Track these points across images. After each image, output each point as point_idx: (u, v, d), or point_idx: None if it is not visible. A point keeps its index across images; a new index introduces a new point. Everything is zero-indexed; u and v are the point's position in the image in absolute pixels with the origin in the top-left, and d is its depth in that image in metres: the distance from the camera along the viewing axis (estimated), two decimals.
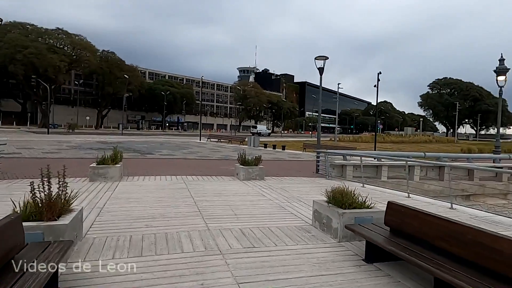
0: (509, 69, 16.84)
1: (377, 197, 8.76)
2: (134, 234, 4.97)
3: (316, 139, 16.63)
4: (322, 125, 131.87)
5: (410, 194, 9.43)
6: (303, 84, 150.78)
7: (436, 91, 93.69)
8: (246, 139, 32.88)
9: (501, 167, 15.47)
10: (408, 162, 12.36)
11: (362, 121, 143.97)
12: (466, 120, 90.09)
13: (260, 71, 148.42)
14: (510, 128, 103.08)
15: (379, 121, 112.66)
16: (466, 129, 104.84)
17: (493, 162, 16.07)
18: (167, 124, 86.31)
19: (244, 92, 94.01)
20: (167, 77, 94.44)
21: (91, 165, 9.81)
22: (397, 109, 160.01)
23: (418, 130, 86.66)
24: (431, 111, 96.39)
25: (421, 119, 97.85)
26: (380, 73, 24.87)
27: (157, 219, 5.81)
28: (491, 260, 3.06)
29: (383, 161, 13.69)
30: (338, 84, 45.86)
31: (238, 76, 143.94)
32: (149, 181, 9.99)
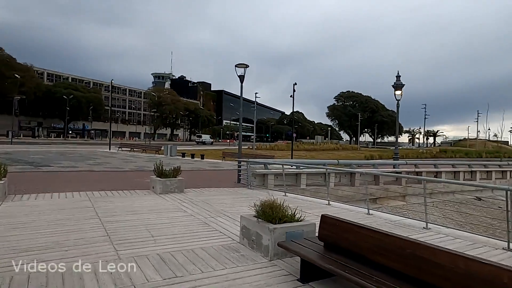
0: (403, 84, 19.02)
1: (302, 206, 8.71)
2: (16, 275, 3.82)
3: (236, 147, 16.36)
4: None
5: (330, 202, 9.67)
6: (220, 93, 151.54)
7: (341, 103, 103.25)
8: (162, 148, 31.12)
9: (400, 172, 17.27)
10: (328, 170, 12.86)
11: (277, 130, 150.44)
12: (366, 129, 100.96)
13: (177, 77, 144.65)
14: (400, 136, 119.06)
15: (291, 130, 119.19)
16: (366, 137, 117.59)
17: (394, 168, 17.88)
18: (70, 132, 77.52)
19: (160, 98, 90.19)
20: (70, 80, 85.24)
21: None
22: (308, 118, 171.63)
23: (327, 139, 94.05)
24: (337, 121, 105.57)
25: (329, 128, 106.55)
26: (296, 84, 26.11)
27: (51, 250, 4.67)
28: (431, 275, 2.96)
29: (302, 169, 14.03)
30: (256, 93, 47.01)
31: (153, 82, 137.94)
32: (43, 200, 8.36)
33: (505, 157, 44.03)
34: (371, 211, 8.61)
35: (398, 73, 19.10)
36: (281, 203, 5.43)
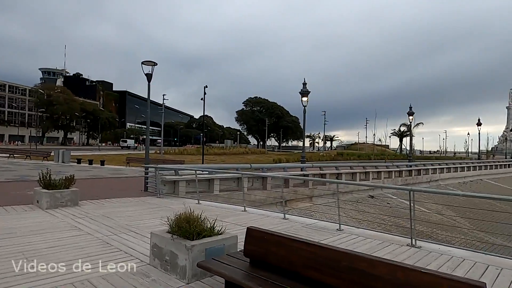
0: (309, 91, 20.12)
1: (217, 214, 8.20)
2: None
3: (141, 152, 14.96)
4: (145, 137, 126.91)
5: (245, 207, 9.36)
6: (123, 93, 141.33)
7: (249, 108, 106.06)
8: (52, 153, 27.01)
9: (308, 175, 18.12)
10: (240, 174, 12.62)
11: (186, 134, 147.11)
12: (272, 134, 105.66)
13: (71, 74, 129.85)
14: (301, 141, 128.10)
15: (201, 134, 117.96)
16: (272, 141, 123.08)
17: (301, 170, 18.70)
18: None
19: (50, 97, 79.32)
20: None
21: None
22: (217, 123, 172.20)
23: (236, 143, 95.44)
24: (245, 125, 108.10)
25: (238, 133, 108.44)
26: (206, 87, 25.52)
27: None
28: None
29: (214, 174, 13.51)
30: (164, 95, 44.80)
31: (41, 78, 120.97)
32: None
33: (388, 158, 50.91)
34: (286, 215, 8.56)
35: (304, 81, 20.14)
36: (199, 215, 4.84)
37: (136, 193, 12.09)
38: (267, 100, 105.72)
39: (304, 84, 20.06)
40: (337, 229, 7.23)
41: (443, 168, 31.32)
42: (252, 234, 3.83)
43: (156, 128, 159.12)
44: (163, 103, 45.08)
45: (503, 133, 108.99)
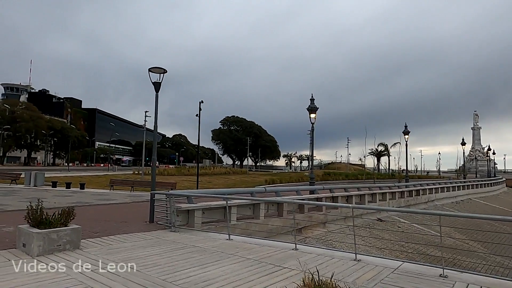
0: (317, 108, 18.80)
1: (272, 256, 6.40)
2: None
3: (118, 173, 12.71)
4: (117, 156, 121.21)
5: (296, 245, 7.50)
6: (93, 111, 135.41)
7: (226, 127, 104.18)
8: (23, 175, 23.64)
9: (321, 199, 16.49)
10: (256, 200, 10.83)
11: (159, 153, 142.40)
12: (250, 153, 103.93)
13: (37, 91, 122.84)
14: (278, 160, 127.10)
15: (177, 153, 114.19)
16: (246, 161, 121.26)
17: (313, 193, 17.03)
18: None
19: (13, 114, 73.68)
20: None
21: None
22: (191, 142, 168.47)
23: (213, 162, 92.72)
24: (222, 144, 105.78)
25: (216, 152, 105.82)
26: (202, 102, 23.59)
27: None
28: None
29: (233, 200, 11.57)
30: (146, 112, 42.29)
31: (3, 94, 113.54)
32: None
33: (368, 178, 50.43)
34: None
35: (312, 96, 18.84)
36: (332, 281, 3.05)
37: (141, 225, 9.90)
38: (244, 119, 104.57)
39: (312, 100, 18.74)
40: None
41: (438, 188, 30.85)
42: None
43: (127, 147, 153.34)
44: (145, 120, 42.42)
45: (470, 153, 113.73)
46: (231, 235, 8.48)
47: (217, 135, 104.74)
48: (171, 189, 19.36)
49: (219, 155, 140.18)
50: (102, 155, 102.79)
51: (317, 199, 16.41)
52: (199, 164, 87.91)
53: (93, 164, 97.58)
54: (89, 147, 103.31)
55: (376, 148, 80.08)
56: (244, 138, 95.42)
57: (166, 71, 11.01)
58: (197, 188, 21.71)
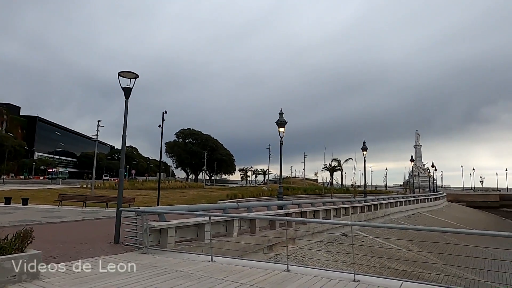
0: (286, 122, 18.71)
1: (308, 286, 5.83)
2: None
3: (64, 186, 11.43)
4: (60, 169, 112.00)
5: (288, 266, 6.98)
6: (33, 119, 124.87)
7: (181, 140, 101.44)
8: None
9: (291, 214, 16.18)
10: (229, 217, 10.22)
11: (107, 165, 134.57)
12: (203, 167, 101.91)
13: None
14: (233, 174, 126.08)
15: (127, 166, 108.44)
16: (201, 175, 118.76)
17: (281, 208, 16.66)
18: None
19: None
20: None
21: None
22: (142, 154, 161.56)
23: (169, 176, 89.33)
24: (176, 158, 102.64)
25: (170, 166, 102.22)
26: (166, 112, 22.26)
27: None
28: None
29: (207, 217, 10.77)
30: (98, 121, 39.37)
31: None
32: None
33: (325, 193, 51.69)
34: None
35: (281, 110, 18.73)
36: None
37: (106, 247, 8.75)
38: (200, 132, 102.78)
39: (281, 114, 18.63)
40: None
41: (392, 202, 32.23)
42: None
43: (71, 159, 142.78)
44: (98, 130, 39.44)
45: (413, 169, 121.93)
46: (213, 257, 7.73)
47: (171, 148, 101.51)
48: (130, 205, 17.95)
49: (173, 168, 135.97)
50: (42, 167, 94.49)
51: (287, 214, 16.07)
52: (153, 178, 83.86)
53: (31, 177, 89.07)
54: (28, 158, 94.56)
55: (330, 164, 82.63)
56: (199, 151, 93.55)
57: (138, 76, 10.12)
58: (158, 204, 20.33)
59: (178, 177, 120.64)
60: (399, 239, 23.75)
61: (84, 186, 37.79)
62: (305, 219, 14.63)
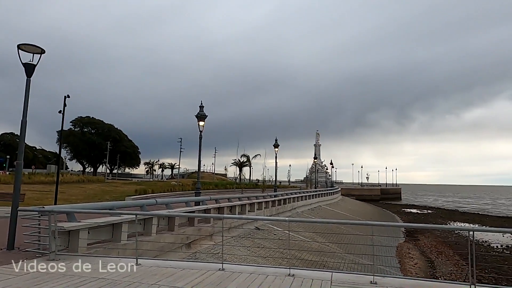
0: (207, 115, 18.29)
1: (247, 284, 5.54)
2: None
3: None
4: None
5: (223, 264, 6.72)
6: None
7: (78, 129, 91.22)
8: None
9: (210, 210, 15.89)
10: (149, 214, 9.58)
11: None
12: (104, 160, 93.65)
13: None
14: (138, 168, 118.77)
15: (8, 156, 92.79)
16: (104, 168, 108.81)
17: (200, 204, 16.24)
18: None
19: None
20: None
21: None
22: (27, 143, 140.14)
23: (63, 169, 79.28)
24: (72, 148, 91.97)
25: (65, 157, 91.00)
26: (68, 96, 19.18)
27: None
28: None
29: (124, 216, 9.76)
30: None
31: None
32: None
33: (237, 187, 52.60)
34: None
35: (201, 103, 18.22)
36: None
37: None
38: (102, 121, 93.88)
39: (201, 107, 18.12)
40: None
41: (298, 197, 34.48)
42: None
43: None
44: None
45: (312, 166, 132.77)
46: (138, 259, 7.02)
47: (65, 137, 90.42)
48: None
49: (67, 160, 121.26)
50: None
51: (205, 210, 15.74)
52: (42, 170, 73.85)
53: None
54: None
55: (239, 159, 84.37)
56: (100, 142, 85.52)
57: (44, 51, 8.55)
58: (56, 201, 17.79)
59: (72, 170, 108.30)
60: (306, 231, 25.59)
61: None
62: (235, 215, 14.47)
